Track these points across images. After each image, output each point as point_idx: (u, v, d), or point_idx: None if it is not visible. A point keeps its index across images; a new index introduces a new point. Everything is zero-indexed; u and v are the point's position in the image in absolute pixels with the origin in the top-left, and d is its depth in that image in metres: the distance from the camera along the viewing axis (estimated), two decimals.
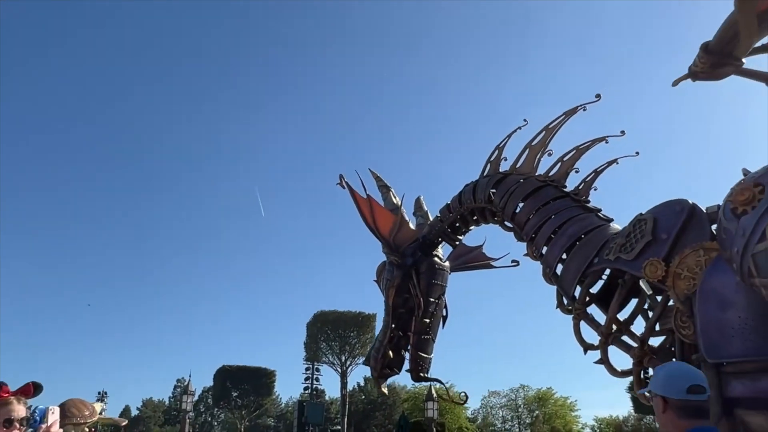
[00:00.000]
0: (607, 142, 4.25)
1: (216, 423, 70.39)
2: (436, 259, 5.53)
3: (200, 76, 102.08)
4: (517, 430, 54.01)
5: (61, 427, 3.28)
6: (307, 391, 46.64)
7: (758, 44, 2.99)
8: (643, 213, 3.39)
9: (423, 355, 5.42)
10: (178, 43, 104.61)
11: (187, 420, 28.57)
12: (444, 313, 5.61)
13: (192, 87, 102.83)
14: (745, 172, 2.74)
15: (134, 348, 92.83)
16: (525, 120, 4.84)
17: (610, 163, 4.15)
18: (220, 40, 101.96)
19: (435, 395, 28.33)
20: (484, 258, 5.75)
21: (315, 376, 47.52)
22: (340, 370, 44.35)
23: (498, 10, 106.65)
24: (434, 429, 28.47)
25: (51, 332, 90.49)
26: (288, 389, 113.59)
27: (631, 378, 3.32)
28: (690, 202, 3.19)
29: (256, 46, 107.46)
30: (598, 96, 4.33)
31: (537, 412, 61.03)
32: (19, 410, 2.77)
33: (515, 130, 4.84)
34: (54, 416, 3.03)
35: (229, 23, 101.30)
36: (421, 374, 5.48)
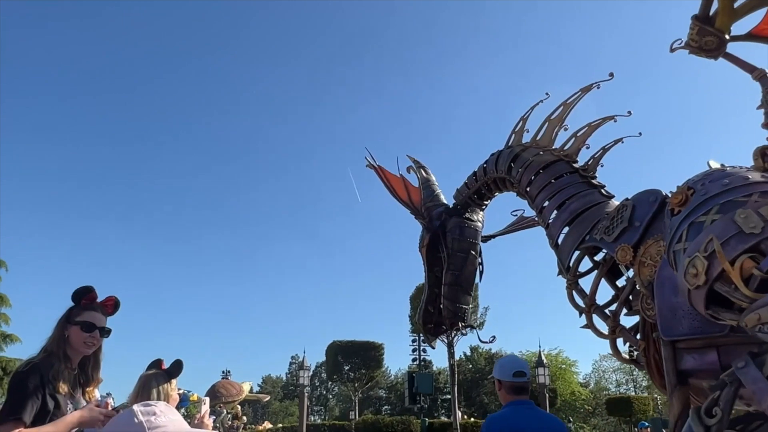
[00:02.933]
0: (615, 121, 4.40)
1: (331, 396, 73.74)
2: (463, 219, 5.81)
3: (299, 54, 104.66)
4: (633, 393, 52.38)
5: (212, 406, 3.73)
6: (415, 362, 47.74)
7: (743, 33, 3.09)
8: (629, 198, 3.60)
9: (455, 303, 5.74)
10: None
11: (305, 394, 30.31)
12: (480, 269, 5.90)
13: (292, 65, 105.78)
14: (709, 165, 2.94)
15: (252, 329, 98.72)
16: (547, 93, 5.00)
17: (616, 142, 4.32)
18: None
19: (545, 361, 28.21)
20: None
21: (422, 347, 48.51)
22: (446, 340, 44.56)
23: None
24: (546, 395, 28.50)
25: (183, 318, 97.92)
26: (396, 361, 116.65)
27: None
28: (663, 192, 3.39)
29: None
30: (611, 75, 4.50)
31: None
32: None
33: (538, 103, 5.00)
34: (205, 407, 3.25)
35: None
36: (457, 322, 5.85)
